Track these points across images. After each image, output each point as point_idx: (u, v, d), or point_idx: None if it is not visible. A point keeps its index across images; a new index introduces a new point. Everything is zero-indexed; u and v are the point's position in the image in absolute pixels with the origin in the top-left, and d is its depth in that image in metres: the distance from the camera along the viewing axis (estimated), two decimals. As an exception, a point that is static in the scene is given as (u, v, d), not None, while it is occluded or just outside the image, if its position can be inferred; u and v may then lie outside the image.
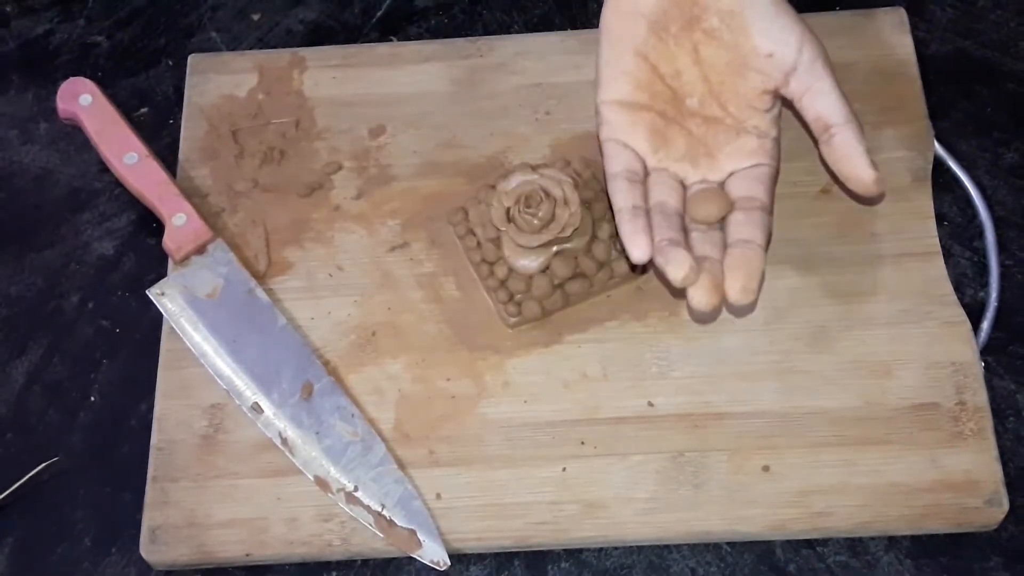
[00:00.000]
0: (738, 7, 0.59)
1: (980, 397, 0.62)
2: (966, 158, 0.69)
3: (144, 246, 0.70)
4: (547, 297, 0.64)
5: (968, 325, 0.63)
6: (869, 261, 0.65)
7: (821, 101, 0.60)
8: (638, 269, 0.65)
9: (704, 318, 0.64)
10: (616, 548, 0.61)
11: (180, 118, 0.72)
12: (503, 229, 0.63)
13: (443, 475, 0.62)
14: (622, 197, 0.60)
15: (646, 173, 0.62)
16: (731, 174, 0.61)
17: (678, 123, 0.62)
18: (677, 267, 0.57)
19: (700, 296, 0.57)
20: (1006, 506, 0.60)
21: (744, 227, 0.59)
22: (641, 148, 0.62)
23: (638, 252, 0.58)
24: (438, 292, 0.66)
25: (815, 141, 0.61)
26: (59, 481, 0.64)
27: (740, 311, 0.64)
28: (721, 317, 0.64)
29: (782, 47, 0.59)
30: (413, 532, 0.60)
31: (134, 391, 0.66)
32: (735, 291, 0.57)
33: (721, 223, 0.60)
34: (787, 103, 0.61)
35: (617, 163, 0.61)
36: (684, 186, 0.62)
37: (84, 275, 0.70)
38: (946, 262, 0.65)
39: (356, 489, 0.61)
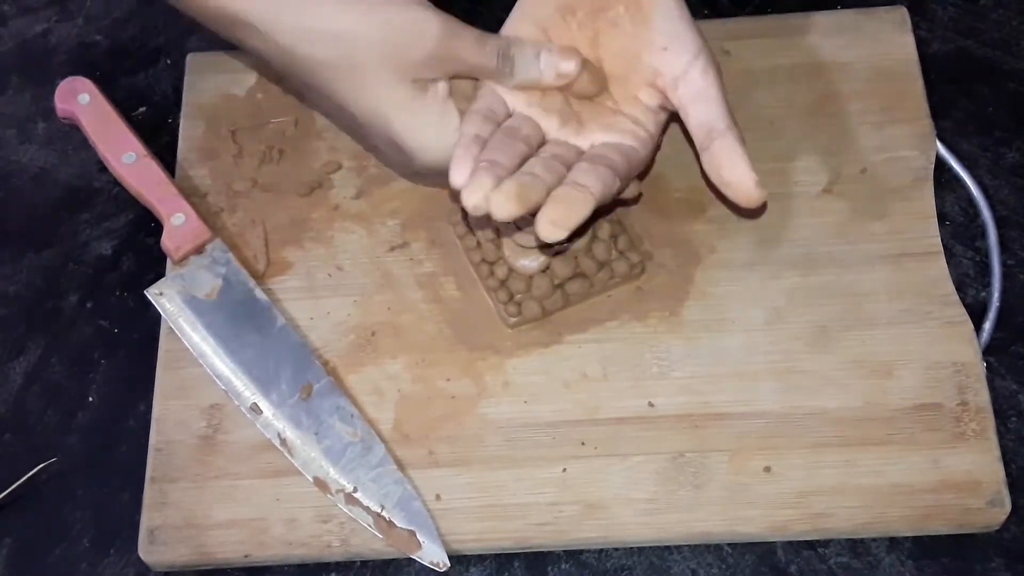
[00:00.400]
0: (646, 1, 0.60)
1: (982, 397, 0.61)
2: (968, 157, 0.69)
3: (143, 246, 0.70)
4: (547, 297, 0.64)
5: (970, 325, 0.63)
6: (870, 261, 0.65)
7: (706, 108, 0.59)
8: (636, 269, 0.65)
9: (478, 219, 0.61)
10: (616, 549, 0.61)
11: (179, 117, 0.72)
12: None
13: (443, 476, 0.61)
14: (469, 126, 0.59)
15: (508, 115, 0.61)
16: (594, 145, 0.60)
17: (559, 93, 0.61)
18: (474, 189, 0.55)
19: (497, 201, 0.55)
20: (1008, 507, 0.59)
21: (584, 174, 0.58)
22: (515, 98, 0.61)
23: (458, 178, 0.56)
24: (438, 292, 0.66)
25: (696, 154, 0.60)
26: (57, 482, 0.64)
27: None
28: (721, 317, 0.64)
29: (677, 45, 0.59)
30: (413, 533, 0.60)
31: (133, 391, 0.66)
32: (544, 222, 0.55)
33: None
34: (675, 117, 0.61)
35: (483, 101, 0.60)
36: (543, 140, 0.60)
37: (82, 275, 0.70)
38: (948, 262, 0.65)
39: (355, 490, 0.61)
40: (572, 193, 0.57)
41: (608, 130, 0.61)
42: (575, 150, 0.60)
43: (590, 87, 0.61)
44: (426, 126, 0.59)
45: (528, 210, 0.56)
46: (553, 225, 0.56)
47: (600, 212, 0.65)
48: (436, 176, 0.61)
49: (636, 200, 0.66)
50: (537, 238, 0.56)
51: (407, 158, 0.61)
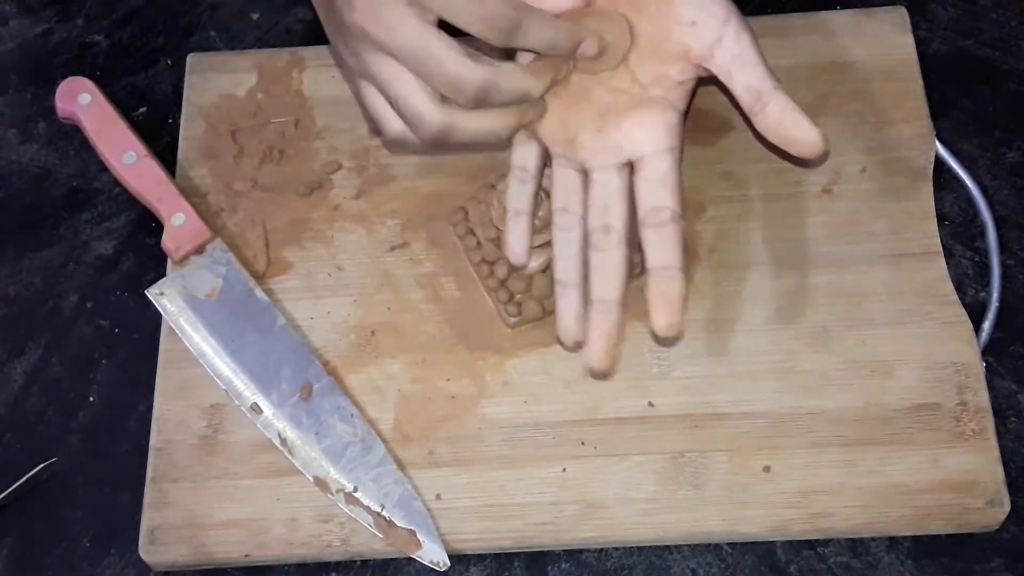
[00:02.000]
0: None
1: (981, 397, 0.61)
2: (967, 158, 0.69)
3: (143, 246, 0.70)
4: (547, 297, 0.64)
5: (969, 325, 0.63)
6: (870, 261, 0.65)
7: (750, 72, 0.58)
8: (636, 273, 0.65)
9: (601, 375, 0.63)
10: (616, 549, 0.61)
11: (179, 117, 0.72)
12: (503, 229, 0.63)
13: (443, 475, 0.61)
14: (513, 198, 0.62)
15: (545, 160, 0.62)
16: (632, 166, 0.60)
17: (584, 91, 0.61)
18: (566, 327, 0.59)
19: (594, 358, 0.58)
20: (1007, 507, 0.59)
21: (659, 250, 0.58)
22: (544, 127, 0.61)
23: (519, 258, 0.61)
24: (438, 292, 0.66)
25: (744, 117, 0.60)
26: (58, 482, 0.64)
27: (668, 342, 0.63)
28: (721, 317, 0.64)
29: (706, 16, 0.58)
30: (413, 533, 0.60)
31: (133, 391, 0.66)
32: (660, 327, 0.57)
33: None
34: (713, 80, 0.60)
35: (516, 156, 0.62)
36: (585, 173, 0.61)
37: (83, 275, 0.70)
38: (947, 262, 0.65)
39: (355, 490, 0.61)
40: (663, 287, 0.58)
41: (639, 128, 0.59)
42: (620, 193, 0.60)
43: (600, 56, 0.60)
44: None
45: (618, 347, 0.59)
46: (669, 328, 0.58)
47: None
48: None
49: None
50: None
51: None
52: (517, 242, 0.62)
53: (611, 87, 0.60)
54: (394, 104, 0.57)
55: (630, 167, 0.59)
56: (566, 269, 0.60)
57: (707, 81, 0.60)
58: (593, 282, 0.59)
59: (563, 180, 0.61)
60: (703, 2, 0.59)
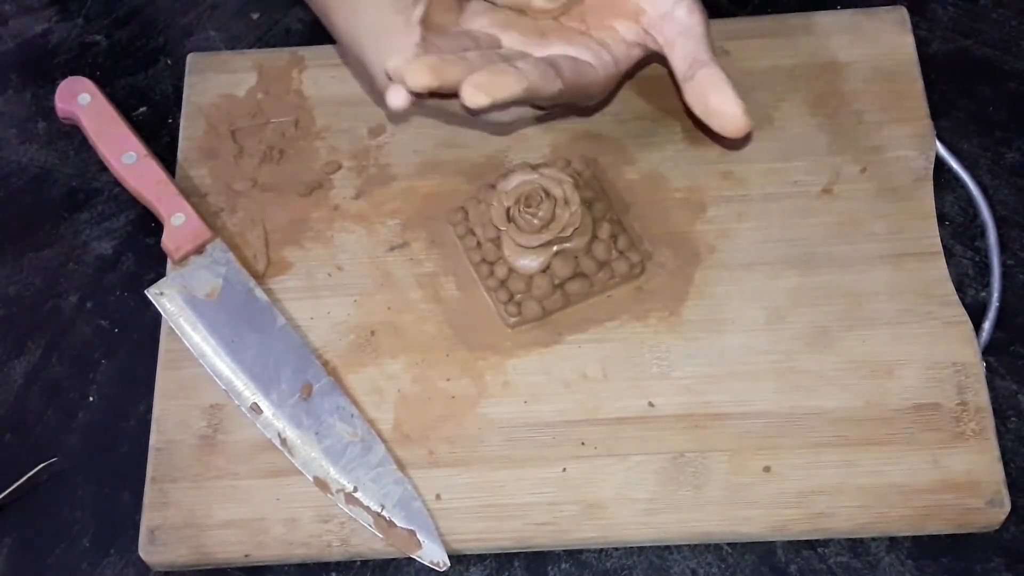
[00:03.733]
0: None
1: (982, 397, 0.61)
2: (968, 157, 0.69)
3: (143, 246, 0.70)
4: (547, 297, 0.64)
5: (970, 325, 0.63)
6: (870, 261, 0.65)
7: (691, 43, 0.59)
8: (637, 268, 0.65)
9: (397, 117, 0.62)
10: (616, 549, 0.61)
11: (179, 117, 0.72)
12: (503, 229, 0.63)
13: (443, 476, 0.61)
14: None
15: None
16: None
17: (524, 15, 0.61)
18: (399, 60, 0.56)
19: (412, 69, 0.55)
20: (1008, 507, 0.59)
21: (522, 62, 0.58)
22: (479, 23, 0.61)
23: (396, 61, 0.57)
24: (438, 292, 0.66)
25: (678, 88, 0.60)
26: (58, 482, 0.64)
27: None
28: (721, 317, 0.64)
29: None
30: (413, 533, 0.60)
31: (133, 391, 0.66)
32: (468, 84, 0.55)
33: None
34: (658, 57, 0.61)
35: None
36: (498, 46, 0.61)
37: (83, 275, 0.70)
38: (947, 262, 0.65)
39: (355, 490, 0.61)
40: (504, 67, 0.56)
41: (570, 45, 0.60)
42: (525, 55, 0.59)
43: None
44: (391, 50, 0.58)
45: (443, 83, 0.55)
46: (475, 88, 0.55)
47: (601, 212, 0.65)
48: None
49: (590, 110, 0.65)
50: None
51: (371, 79, 0.60)
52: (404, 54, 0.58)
53: (561, 26, 0.61)
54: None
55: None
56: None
57: (651, 59, 0.61)
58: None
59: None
60: None
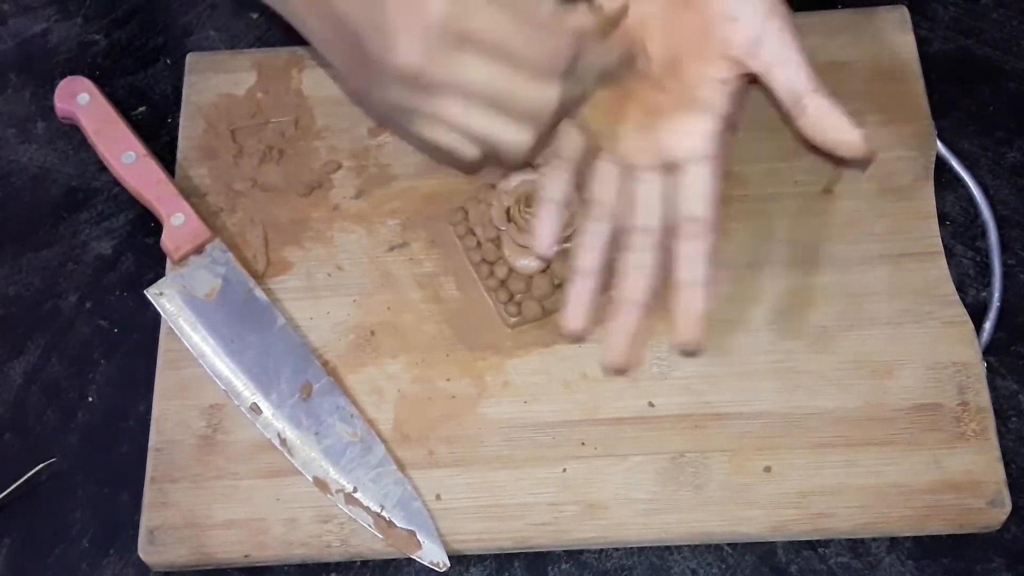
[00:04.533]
0: None
1: (982, 397, 0.61)
2: (968, 157, 0.69)
3: (142, 246, 0.70)
4: (547, 297, 0.64)
5: (970, 325, 0.63)
6: (870, 261, 0.65)
7: (792, 71, 0.59)
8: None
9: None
10: (617, 549, 0.61)
11: (178, 117, 0.72)
12: (503, 229, 0.63)
13: (443, 476, 0.61)
14: (549, 187, 0.62)
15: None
16: (675, 164, 0.60)
17: (631, 88, 0.61)
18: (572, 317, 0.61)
19: (612, 354, 0.61)
20: (1008, 507, 0.59)
21: (688, 263, 0.59)
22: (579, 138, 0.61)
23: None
24: (438, 292, 0.66)
25: (785, 117, 0.60)
26: (57, 482, 0.64)
27: (689, 355, 0.63)
28: (721, 317, 0.64)
29: (747, 11, 0.58)
30: (412, 533, 0.60)
31: (132, 391, 0.66)
32: (682, 343, 0.60)
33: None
34: (755, 80, 0.60)
35: (553, 181, 0.62)
36: (624, 170, 0.61)
37: (82, 275, 0.70)
38: (948, 262, 0.65)
39: (355, 490, 0.61)
40: (686, 301, 0.59)
41: (682, 131, 0.60)
42: (662, 197, 0.60)
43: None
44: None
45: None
46: (693, 345, 0.60)
47: None
48: (401, 83, 0.55)
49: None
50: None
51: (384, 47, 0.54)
52: (546, 232, 0.62)
53: (658, 85, 0.60)
54: (470, 134, 0.56)
55: (673, 171, 0.60)
56: (590, 259, 0.61)
57: (754, 82, 0.60)
58: (624, 282, 0.60)
59: (602, 173, 0.61)
60: None
